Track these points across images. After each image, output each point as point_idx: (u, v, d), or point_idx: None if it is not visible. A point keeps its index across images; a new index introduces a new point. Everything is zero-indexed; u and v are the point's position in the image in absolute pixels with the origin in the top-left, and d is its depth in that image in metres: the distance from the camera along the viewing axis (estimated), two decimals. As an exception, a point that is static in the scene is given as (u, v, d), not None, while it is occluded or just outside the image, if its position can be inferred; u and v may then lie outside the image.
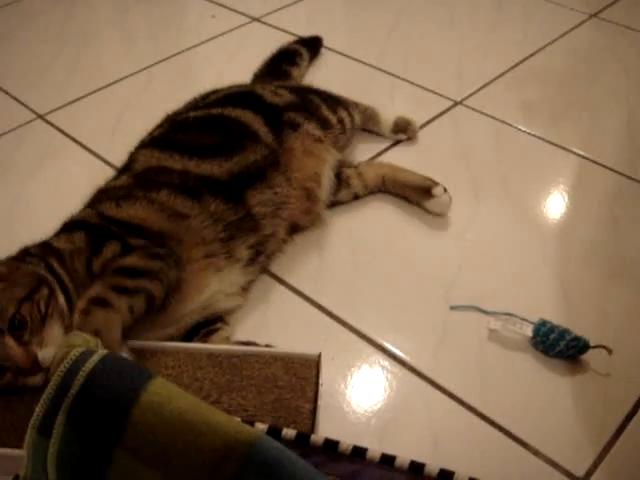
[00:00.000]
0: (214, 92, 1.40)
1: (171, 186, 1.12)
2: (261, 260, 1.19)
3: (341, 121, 1.40)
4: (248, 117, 1.27)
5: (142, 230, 1.06)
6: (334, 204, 1.34)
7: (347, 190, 1.34)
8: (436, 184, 1.31)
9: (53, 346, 0.92)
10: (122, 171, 1.21)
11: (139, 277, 1.00)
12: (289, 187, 1.23)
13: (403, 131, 1.51)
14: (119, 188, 1.14)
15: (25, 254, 1.05)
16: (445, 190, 1.31)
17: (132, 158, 1.22)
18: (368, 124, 1.52)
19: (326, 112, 1.37)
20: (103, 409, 0.75)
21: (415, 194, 1.33)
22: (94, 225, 1.07)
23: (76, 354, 0.79)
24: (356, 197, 1.36)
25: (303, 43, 1.77)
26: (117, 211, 1.08)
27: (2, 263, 1.01)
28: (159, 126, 1.32)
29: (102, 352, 0.80)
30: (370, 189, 1.37)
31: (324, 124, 1.34)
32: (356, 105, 1.49)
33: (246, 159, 1.19)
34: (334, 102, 1.43)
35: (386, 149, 1.49)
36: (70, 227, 1.09)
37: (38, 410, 0.76)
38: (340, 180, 1.33)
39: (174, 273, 1.04)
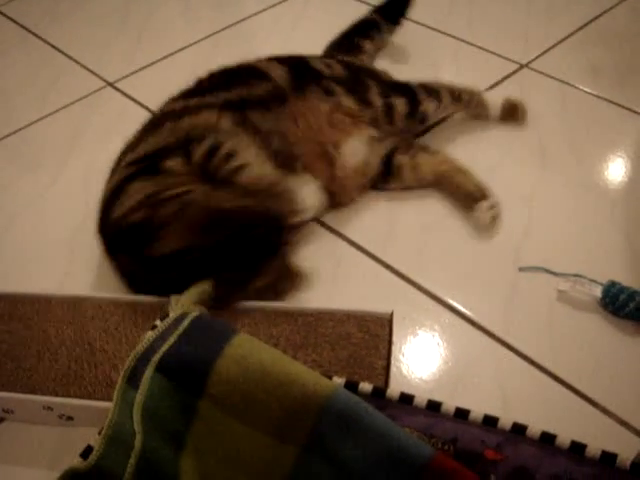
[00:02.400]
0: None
1: (168, 118, 1.20)
2: None
3: (389, 106, 1.33)
4: (267, 64, 1.31)
5: None
6: (386, 190, 1.32)
7: (397, 182, 1.30)
8: (485, 198, 1.23)
9: None
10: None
11: None
12: (296, 129, 1.24)
13: (512, 116, 1.45)
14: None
15: None
16: (493, 207, 1.23)
17: (164, 110, 1.30)
18: (474, 111, 1.46)
19: (373, 95, 1.33)
20: (189, 363, 0.79)
21: (464, 201, 1.27)
22: None
23: (171, 319, 0.83)
24: (407, 189, 1.31)
25: (381, 12, 1.69)
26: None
27: None
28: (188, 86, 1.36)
29: (193, 314, 0.84)
30: (424, 184, 1.31)
31: (364, 103, 1.31)
32: (437, 93, 1.40)
33: (246, 91, 1.24)
34: (391, 88, 1.37)
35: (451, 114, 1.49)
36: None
37: (128, 363, 0.80)
38: (390, 168, 1.29)
39: None
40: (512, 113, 1.44)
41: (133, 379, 0.80)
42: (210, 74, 1.35)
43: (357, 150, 1.27)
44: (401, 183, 1.30)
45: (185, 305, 0.88)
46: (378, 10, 1.69)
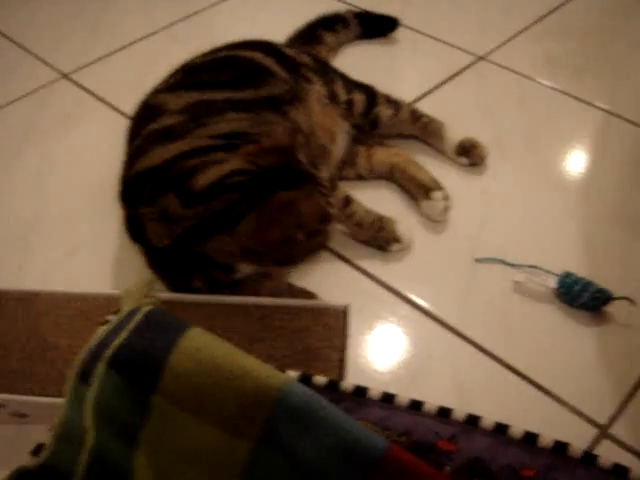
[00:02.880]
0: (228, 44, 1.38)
1: (233, 109, 1.14)
2: None
3: (350, 103, 1.33)
4: (258, 56, 1.28)
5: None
6: (341, 178, 1.31)
7: (352, 168, 1.32)
8: (439, 189, 1.24)
9: None
10: (151, 117, 1.18)
11: None
12: (310, 124, 1.24)
13: (467, 154, 1.35)
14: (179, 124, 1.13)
15: None
16: (446, 198, 1.23)
17: (153, 103, 1.20)
18: (429, 138, 1.39)
19: (338, 88, 1.33)
20: (142, 358, 0.78)
21: (416, 191, 1.26)
22: None
23: (124, 313, 0.82)
24: (360, 177, 1.32)
25: (360, 17, 1.68)
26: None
27: None
28: (170, 77, 1.29)
29: (146, 308, 0.83)
30: (377, 174, 1.32)
31: (332, 96, 1.31)
32: (396, 104, 1.39)
33: (273, 89, 1.22)
34: (353, 84, 1.37)
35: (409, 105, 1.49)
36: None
37: (80, 358, 0.79)
38: (348, 155, 1.31)
39: None
40: (469, 153, 1.35)
41: (85, 375, 0.79)
42: (202, 64, 1.29)
43: (343, 141, 1.30)
44: (355, 170, 1.31)
45: (136, 298, 0.88)
46: (358, 15, 1.68)
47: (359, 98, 1.34)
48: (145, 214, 1.04)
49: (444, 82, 1.55)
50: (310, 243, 0.98)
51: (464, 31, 1.72)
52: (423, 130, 1.38)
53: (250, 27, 1.77)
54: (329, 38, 1.60)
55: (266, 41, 1.37)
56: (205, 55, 1.32)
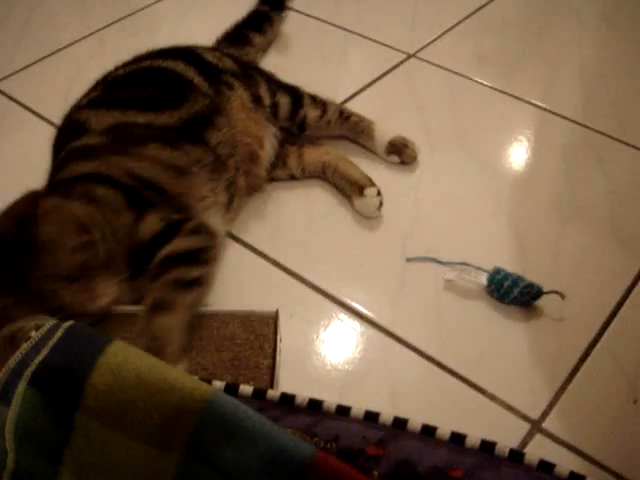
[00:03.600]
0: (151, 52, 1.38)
1: (154, 139, 1.14)
2: (233, 207, 1.21)
3: (275, 106, 1.32)
4: (180, 67, 1.27)
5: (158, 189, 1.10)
6: (273, 180, 1.31)
7: (283, 169, 1.31)
8: (372, 185, 1.24)
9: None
10: (75, 133, 1.18)
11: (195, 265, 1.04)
12: (234, 133, 1.23)
13: (398, 153, 1.34)
14: (99, 147, 1.13)
15: None
16: (379, 194, 1.23)
17: (77, 119, 1.20)
18: (359, 138, 1.38)
19: (263, 91, 1.33)
20: (63, 375, 0.76)
21: (349, 188, 1.26)
22: (122, 184, 1.08)
23: (45, 329, 0.80)
24: (292, 178, 1.31)
25: (269, 3, 1.67)
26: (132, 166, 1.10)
27: None
28: (93, 89, 1.29)
29: (67, 324, 0.81)
30: (308, 173, 1.31)
31: (257, 100, 1.30)
32: (323, 105, 1.38)
33: (193, 107, 1.21)
34: (278, 86, 1.36)
35: (341, 103, 1.48)
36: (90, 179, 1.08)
37: None
38: (278, 157, 1.30)
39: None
40: (400, 151, 1.34)
41: (5, 395, 0.77)
42: (125, 76, 1.28)
43: (272, 145, 1.29)
44: (287, 171, 1.31)
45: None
46: (265, 1, 1.68)
47: (284, 101, 1.34)
48: None
49: (375, 80, 1.55)
50: None
51: (393, 29, 1.72)
52: (352, 129, 1.38)
53: (179, 30, 1.75)
54: (257, 39, 1.59)
55: (189, 47, 1.37)
56: (127, 65, 1.31)
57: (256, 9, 1.66)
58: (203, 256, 1.06)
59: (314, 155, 1.31)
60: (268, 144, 1.28)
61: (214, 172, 1.17)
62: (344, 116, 1.38)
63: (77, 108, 1.23)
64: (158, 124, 1.17)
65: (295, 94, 1.36)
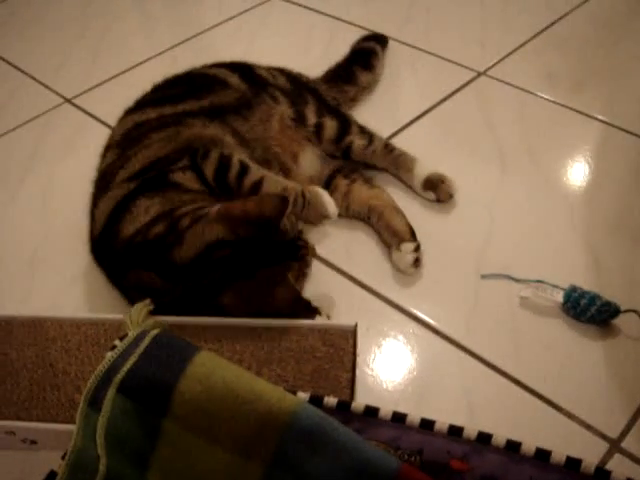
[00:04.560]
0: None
1: (155, 127, 1.20)
2: None
3: (320, 126, 1.33)
4: (222, 72, 1.33)
5: None
6: None
7: None
8: (412, 241, 1.19)
9: None
10: (105, 150, 1.28)
11: None
12: (266, 137, 1.27)
13: (434, 189, 1.30)
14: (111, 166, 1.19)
15: None
16: (417, 249, 1.18)
17: (112, 130, 1.32)
18: (399, 171, 1.35)
19: (309, 111, 1.34)
20: (152, 383, 0.78)
21: (390, 238, 1.22)
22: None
23: (131, 338, 0.82)
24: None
25: (375, 39, 1.68)
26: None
27: None
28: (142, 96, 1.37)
29: (154, 332, 0.83)
30: (352, 213, 1.28)
31: (300, 118, 1.32)
32: (370, 136, 1.36)
33: (217, 98, 1.26)
34: (329, 111, 1.37)
35: (410, 122, 1.50)
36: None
37: (89, 385, 0.79)
38: (326, 187, 1.26)
39: None
40: (436, 188, 1.30)
41: (95, 401, 0.79)
42: (165, 81, 1.37)
43: (313, 162, 1.30)
44: None
45: (138, 321, 0.88)
46: (370, 38, 1.69)
47: (330, 124, 1.34)
48: (123, 284, 1.11)
49: (445, 99, 1.55)
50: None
51: (463, 47, 1.73)
52: (394, 162, 1.35)
53: (249, 47, 1.78)
54: (363, 77, 1.58)
55: (244, 62, 1.41)
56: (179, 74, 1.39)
57: (359, 45, 1.67)
58: None
59: (363, 196, 1.28)
60: (305, 162, 1.30)
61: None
62: (389, 148, 1.36)
63: (133, 112, 1.31)
64: (169, 113, 1.23)
65: (344, 120, 1.37)
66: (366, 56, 1.61)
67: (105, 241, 1.11)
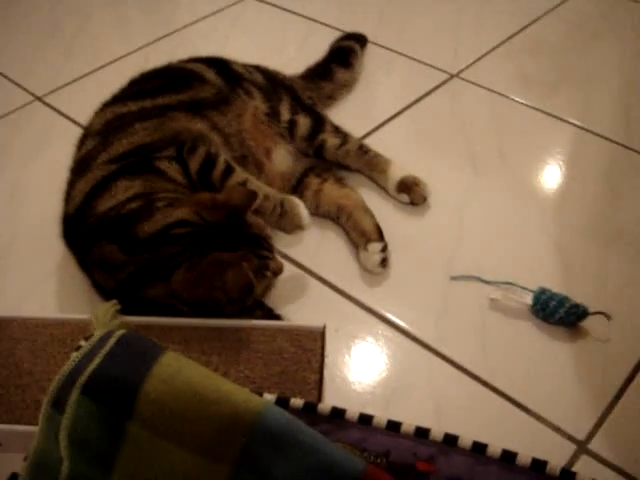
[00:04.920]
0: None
1: (139, 118, 1.20)
2: None
3: (293, 123, 1.33)
4: (199, 67, 1.34)
5: None
6: None
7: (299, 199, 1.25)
8: (379, 241, 1.19)
9: None
10: (80, 141, 1.27)
11: None
12: (241, 130, 1.27)
13: (408, 192, 1.30)
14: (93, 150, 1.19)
15: None
16: (384, 250, 1.18)
17: (88, 123, 1.30)
18: (373, 173, 1.35)
19: (283, 107, 1.34)
20: (116, 384, 0.77)
21: (358, 239, 1.21)
22: None
23: (96, 338, 0.81)
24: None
25: (354, 39, 1.69)
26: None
27: None
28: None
29: (119, 332, 0.82)
30: (322, 212, 1.28)
31: (274, 114, 1.32)
32: (344, 136, 1.36)
33: (196, 93, 1.27)
34: (303, 108, 1.37)
35: (383, 123, 1.50)
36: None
37: (53, 386, 0.78)
38: (297, 185, 1.30)
39: None
40: (410, 190, 1.30)
41: (58, 403, 0.78)
42: (143, 75, 1.36)
43: (286, 159, 1.30)
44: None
45: (104, 321, 0.87)
46: (350, 37, 1.70)
47: (303, 121, 1.34)
48: (87, 261, 1.11)
49: (418, 100, 1.56)
50: (234, 307, 1.01)
51: (437, 50, 1.73)
52: (368, 164, 1.35)
53: (223, 47, 1.77)
54: (340, 73, 1.58)
55: (220, 58, 1.42)
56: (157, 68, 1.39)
57: (338, 44, 1.67)
58: None
59: (333, 195, 1.28)
60: (278, 158, 1.30)
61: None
62: (363, 150, 1.36)
63: (111, 105, 1.29)
64: (151, 106, 1.23)
65: (317, 119, 1.37)
66: (344, 54, 1.62)
67: (79, 218, 1.11)
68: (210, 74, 1.33)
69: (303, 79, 1.53)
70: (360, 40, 1.69)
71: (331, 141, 1.34)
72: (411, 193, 1.30)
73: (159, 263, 1.01)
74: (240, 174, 1.15)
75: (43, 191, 1.36)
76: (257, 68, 1.44)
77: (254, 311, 1.05)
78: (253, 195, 1.05)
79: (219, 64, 1.38)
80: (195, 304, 1.01)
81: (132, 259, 1.02)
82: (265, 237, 1.08)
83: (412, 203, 1.30)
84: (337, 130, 1.37)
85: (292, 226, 1.15)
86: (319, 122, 1.36)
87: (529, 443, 0.94)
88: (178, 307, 1.02)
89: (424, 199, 1.30)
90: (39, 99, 1.62)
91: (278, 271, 1.10)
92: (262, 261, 1.04)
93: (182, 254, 1.00)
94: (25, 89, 1.66)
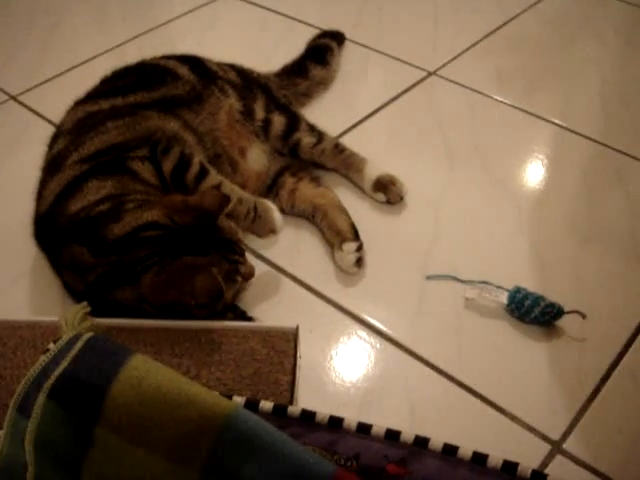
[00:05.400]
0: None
1: (110, 117, 1.18)
2: None
3: (268, 122, 1.32)
4: (172, 63, 1.33)
5: None
6: None
7: (274, 200, 1.24)
8: (354, 241, 1.18)
9: None
10: (52, 140, 1.26)
11: None
12: (214, 129, 1.26)
13: (384, 191, 1.29)
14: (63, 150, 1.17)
15: None
16: (359, 249, 1.18)
17: (60, 122, 1.29)
18: (349, 172, 1.34)
19: (257, 106, 1.33)
20: (83, 388, 0.76)
21: (333, 238, 1.21)
22: None
23: (64, 341, 0.80)
24: (282, 211, 1.19)
25: (331, 36, 1.68)
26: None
27: None
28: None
29: (87, 335, 0.81)
30: (297, 211, 1.27)
31: (248, 113, 1.31)
32: (319, 135, 1.35)
33: (168, 90, 1.26)
34: (277, 107, 1.36)
35: (360, 121, 1.49)
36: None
37: (19, 390, 0.77)
38: (273, 184, 1.29)
39: None
40: (386, 189, 1.29)
41: (24, 407, 0.77)
42: (116, 72, 1.35)
43: (261, 158, 1.29)
44: (277, 203, 1.22)
45: (74, 324, 0.86)
46: (326, 34, 1.69)
47: (278, 119, 1.33)
48: (58, 262, 1.10)
49: (395, 98, 1.55)
50: (203, 312, 1.00)
51: (415, 47, 1.73)
52: (344, 163, 1.34)
53: (200, 44, 1.75)
54: (315, 71, 1.57)
55: (194, 55, 1.41)
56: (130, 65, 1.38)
57: (315, 42, 1.66)
58: None
59: (308, 194, 1.27)
60: (253, 157, 1.29)
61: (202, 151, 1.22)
62: (339, 148, 1.35)
63: (84, 103, 1.28)
64: (123, 104, 1.22)
65: (293, 117, 1.35)
66: (321, 52, 1.61)
67: (50, 218, 1.09)
68: (183, 70, 1.32)
69: (278, 76, 1.52)
70: (337, 38, 1.69)
71: (306, 140, 1.33)
72: (387, 192, 1.29)
73: (128, 266, 1.00)
74: (214, 177, 1.13)
75: (16, 192, 1.33)
76: (232, 66, 1.43)
77: (225, 314, 1.04)
78: (226, 199, 1.04)
79: (193, 61, 1.37)
80: (164, 308, 1.00)
81: (101, 261, 1.01)
82: (236, 241, 1.07)
83: (388, 202, 1.30)
84: (312, 129, 1.36)
85: (265, 230, 1.14)
86: (294, 121, 1.35)
87: (504, 443, 0.94)
88: (147, 310, 1.00)
89: (400, 198, 1.29)
90: (14, 98, 1.61)
91: (249, 276, 1.09)
92: (233, 265, 1.03)
93: (151, 257, 0.99)
94: (-1, 88, 1.64)
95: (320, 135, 1.35)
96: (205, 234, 1.02)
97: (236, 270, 1.04)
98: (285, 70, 1.56)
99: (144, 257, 0.99)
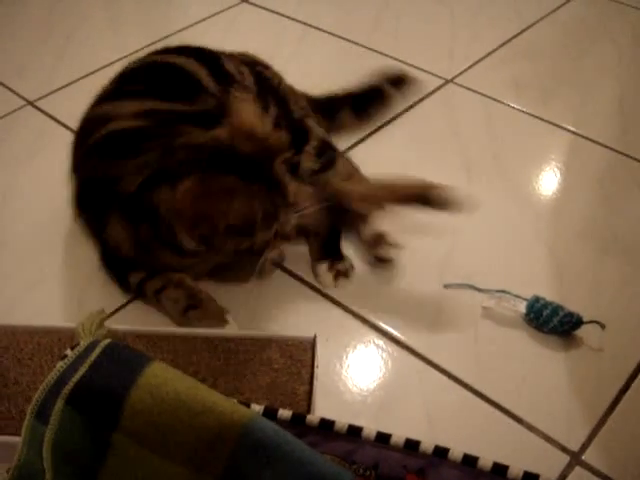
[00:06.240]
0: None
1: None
2: None
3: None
4: (192, 66, 1.28)
5: None
6: None
7: None
8: (338, 261, 1.17)
9: None
10: (97, 124, 1.21)
11: None
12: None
13: (376, 247, 1.21)
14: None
15: None
16: (331, 267, 1.16)
17: (100, 113, 1.24)
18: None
19: (266, 119, 1.25)
20: (102, 395, 0.76)
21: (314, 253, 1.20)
22: None
23: (81, 348, 0.80)
24: None
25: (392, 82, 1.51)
26: None
27: None
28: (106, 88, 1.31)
29: (105, 342, 0.81)
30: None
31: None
32: (326, 164, 1.29)
33: (205, 104, 1.20)
34: (288, 123, 1.28)
35: (376, 129, 1.49)
36: None
37: (37, 396, 0.77)
38: None
39: None
40: (377, 246, 1.21)
41: (42, 413, 0.77)
42: (132, 71, 1.31)
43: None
44: None
45: (90, 330, 0.86)
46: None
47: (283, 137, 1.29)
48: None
49: (412, 106, 1.54)
50: (226, 242, 0.99)
51: (432, 55, 1.72)
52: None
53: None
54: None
55: (210, 52, 1.37)
56: (137, 62, 1.33)
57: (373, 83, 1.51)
58: None
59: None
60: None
61: None
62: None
63: (95, 106, 1.26)
64: (165, 109, 1.18)
65: (299, 137, 1.28)
66: (366, 98, 1.49)
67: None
68: (204, 75, 1.26)
69: (309, 101, 1.45)
70: (398, 83, 1.52)
71: (306, 164, 1.28)
72: (378, 248, 1.22)
73: (175, 165, 0.99)
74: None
75: (35, 196, 1.34)
76: (251, 68, 1.38)
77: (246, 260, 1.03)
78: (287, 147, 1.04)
79: (211, 61, 1.31)
80: (192, 225, 0.98)
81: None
82: (288, 192, 1.03)
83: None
84: (322, 153, 1.29)
85: None
86: (300, 141, 1.28)
87: (521, 453, 0.93)
88: (176, 235, 1.00)
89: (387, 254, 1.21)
90: (31, 104, 1.61)
91: (284, 233, 1.04)
92: (274, 209, 1.00)
93: (198, 164, 0.97)
94: (17, 93, 1.64)
95: (329, 162, 1.29)
96: (258, 167, 1.00)
97: (275, 216, 1.01)
98: (317, 103, 1.47)
99: (192, 161, 0.98)
